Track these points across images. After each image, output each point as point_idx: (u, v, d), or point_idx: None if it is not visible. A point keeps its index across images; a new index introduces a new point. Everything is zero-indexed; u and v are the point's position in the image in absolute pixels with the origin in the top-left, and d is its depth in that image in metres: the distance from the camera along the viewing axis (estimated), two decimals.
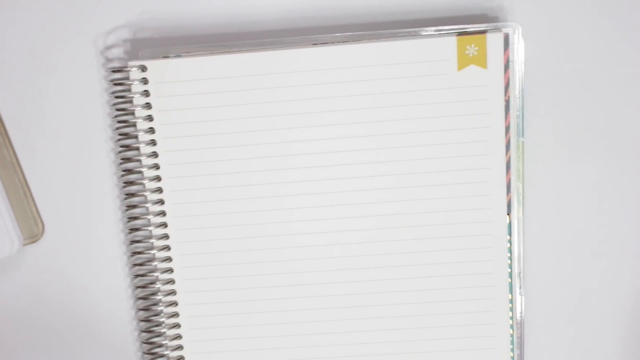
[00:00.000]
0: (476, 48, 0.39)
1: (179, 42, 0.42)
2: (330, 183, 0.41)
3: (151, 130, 0.41)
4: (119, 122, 0.41)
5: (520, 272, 0.42)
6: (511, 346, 0.42)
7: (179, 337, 0.43)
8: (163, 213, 0.42)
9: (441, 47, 0.39)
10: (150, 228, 0.42)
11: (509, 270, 0.41)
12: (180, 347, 0.43)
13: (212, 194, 0.41)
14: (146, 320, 0.43)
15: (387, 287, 0.42)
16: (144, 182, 0.41)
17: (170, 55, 0.41)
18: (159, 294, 0.42)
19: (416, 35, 0.40)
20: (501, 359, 0.42)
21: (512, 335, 0.42)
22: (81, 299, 0.44)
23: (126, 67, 0.40)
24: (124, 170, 0.42)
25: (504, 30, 0.39)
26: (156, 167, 0.41)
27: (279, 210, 0.41)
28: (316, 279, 0.42)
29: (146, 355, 0.43)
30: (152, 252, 0.42)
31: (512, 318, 0.42)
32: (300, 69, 0.40)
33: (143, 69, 0.40)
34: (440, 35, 0.40)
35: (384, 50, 0.39)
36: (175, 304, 0.42)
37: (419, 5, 0.41)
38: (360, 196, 0.41)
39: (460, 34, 0.39)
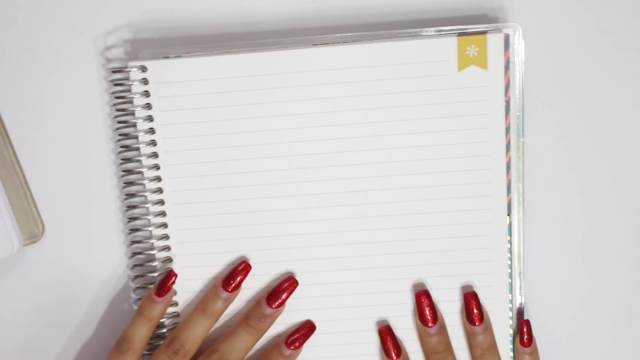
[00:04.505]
0: (476, 49, 0.39)
1: (179, 42, 0.42)
2: (329, 183, 0.41)
3: (151, 131, 0.41)
4: (119, 122, 0.41)
5: (520, 272, 0.42)
6: (511, 346, 0.42)
7: None
8: (163, 213, 0.42)
9: (441, 47, 0.39)
10: (150, 228, 0.42)
11: (509, 270, 0.41)
12: None
13: (212, 194, 0.41)
14: None
15: (387, 287, 0.42)
16: (144, 182, 0.41)
17: (170, 56, 0.41)
18: None
19: (416, 35, 0.40)
20: (501, 359, 0.42)
21: (512, 335, 0.42)
22: (81, 299, 0.44)
23: (126, 67, 0.40)
24: (124, 171, 0.42)
25: (504, 30, 0.39)
26: (156, 167, 0.41)
27: (279, 210, 0.41)
28: (321, 279, 0.42)
29: (147, 356, 0.43)
30: (152, 252, 0.42)
31: (512, 318, 0.42)
32: (300, 69, 0.40)
33: (143, 69, 0.40)
34: (440, 35, 0.40)
35: (384, 51, 0.39)
36: (175, 304, 0.42)
37: (419, 6, 0.41)
38: (361, 196, 0.41)
39: (460, 34, 0.39)
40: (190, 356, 0.40)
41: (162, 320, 0.42)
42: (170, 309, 0.42)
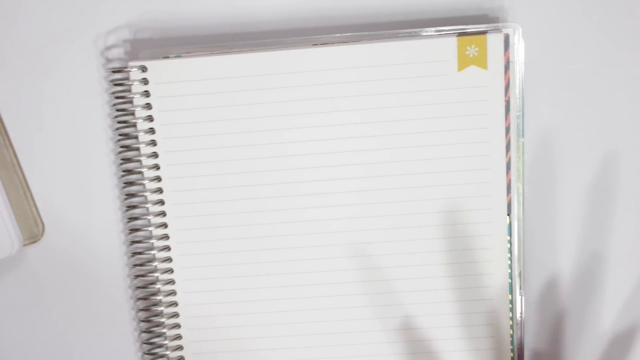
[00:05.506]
0: (476, 49, 0.39)
1: (179, 42, 0.42)
2: (330, 184, 0.41)
3: (151, 131, 0.41)
4: (119, 122, 0.41)
5: (520, 273, 0.42)
6: (511, 346, 0.42)
7: (179, 337, 0.43)
8: (163, 213, 0.42)
9: (441, 47, 0.39)
10: (150, 228, 0.42)
11: (509, 270, 0.41)
12: (180, 347, 0.43)
13: (212, 194, 0.41)
14: (146, 320, 0.43)
15: (386, 288, 0.42)
16: (144, 182, 0.41)
17: (170, 56, 0.41)
18: (159, 294, 0.42)
19: (416, 35, 0.40)
20: (501, 359, 0.42)
21: (512, 336, 0.42)
22: (81, 299, 0.44)
23: (126, 67, 0.40)
24: (124, 171, 0.42)
25: (504, 30, 0.39)
26: (156, 167, 0.41)
27: (279, 210, 0.41)
28: (318, 279, 0.42)
29: (146, 356, 0.43)
30: (152, 252, 0.42)
31: (512, 318, 0.42)
32: (300, 69, 0.40)
33: (143, 69, 0.40)
34: (440, 35, 0.40)
35: (384, 51, 0.39)
36: (175, 304, 0.42)
37: (419, 6, 0.41)
38: (360, 196, 0.41)
39: (460, 34, 0.40)
40: None
41: (162, 320, 0.42)
42: (170, 309, 0.42)
